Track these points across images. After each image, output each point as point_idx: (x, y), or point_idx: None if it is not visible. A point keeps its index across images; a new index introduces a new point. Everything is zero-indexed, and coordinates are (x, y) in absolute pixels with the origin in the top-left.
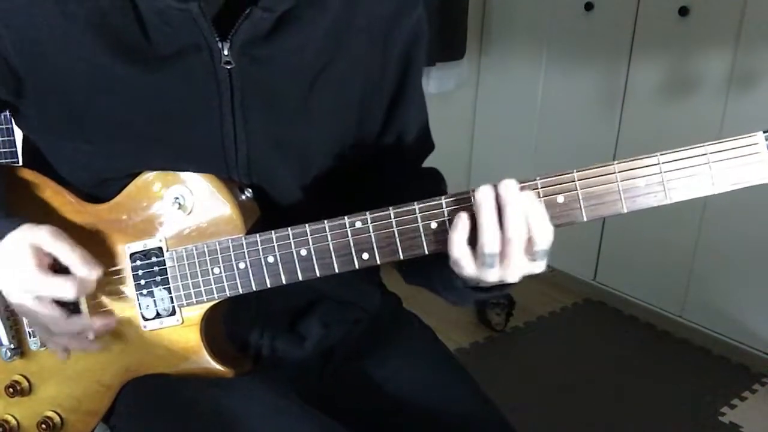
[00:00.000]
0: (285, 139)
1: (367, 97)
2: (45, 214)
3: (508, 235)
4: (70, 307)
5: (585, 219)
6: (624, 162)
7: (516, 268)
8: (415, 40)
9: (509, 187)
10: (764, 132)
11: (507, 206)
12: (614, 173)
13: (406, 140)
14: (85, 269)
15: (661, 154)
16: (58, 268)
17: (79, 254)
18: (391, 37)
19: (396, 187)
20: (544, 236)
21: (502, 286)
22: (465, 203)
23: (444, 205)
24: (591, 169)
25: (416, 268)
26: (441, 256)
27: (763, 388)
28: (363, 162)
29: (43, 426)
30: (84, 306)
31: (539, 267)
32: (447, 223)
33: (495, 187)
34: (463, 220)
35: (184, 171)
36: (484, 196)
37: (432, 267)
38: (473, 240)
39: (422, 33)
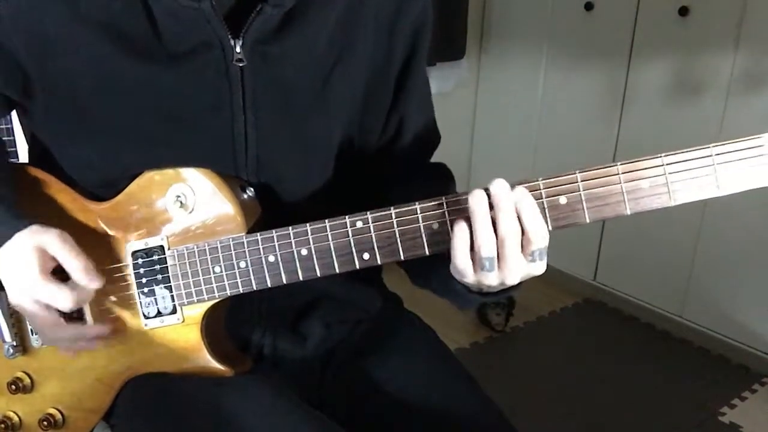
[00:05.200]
0: (296, 137)
1: (374, 87)
2: (48, 212)
3: (502, 234)
4: (74, 314)
5: (588, 221)
6: (627, 163)
7: (514, 270)
8: (420, 29)
9: (499, 186)
10: None
11: (498, 205)
12: (617, 174)
13: (408, 132)
14: (85, 279)
15: (665, 155)
16: (60, 273)
17: (83, 263)
18: (396, 25)
19: (400, 181)
20: (539, 233)
21: (505, 290)
22: (463, 204)
23: (445, 206)
24: (594, 170)
25: (418, 270)
26: (441, 258)
27: (763, 388)
28: (366, 156)
29: (45, 423)
30: (88, 314)
31: (539, 268)
32: (448, 224)
33: (487, 189)
34: (462, 229)
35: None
36: (476, 200)
37: (432, 271)
38: (473, 246)
39: (427, 22)
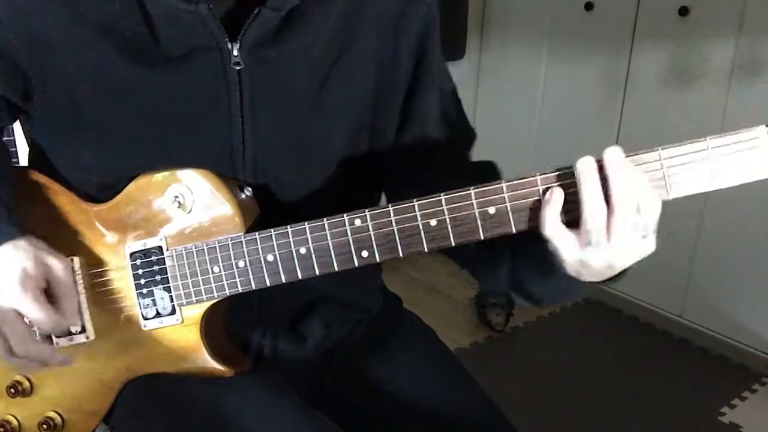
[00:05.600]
0: (294, 140)
1: (381, 89)
2: (46, 214)
3: (614, 201)
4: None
5: None
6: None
7: (627, 246)
8: (427, 28)
9: (614, 153)
10: (766, 126)
11: (613, 169)
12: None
13: (431, 131)
14: (73, 317)
15: (662, 149)
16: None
17: (77, 301)
18: (401, 26)
19: (434, 181)
20: (652, 204)
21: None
22: (461, 201)
23: (444, 203)
24: None
25: (493, 274)
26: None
27: (763, 388)
28: (380, 157)
29: (44, 426)
30: (86, 316)
31: (649, 246)
32: (447, 220)
33: (596, 159)
34: (557, 196)
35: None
36: (586, 164)
37: (512, 265)
38: (571, 221)
39: (435, 21)
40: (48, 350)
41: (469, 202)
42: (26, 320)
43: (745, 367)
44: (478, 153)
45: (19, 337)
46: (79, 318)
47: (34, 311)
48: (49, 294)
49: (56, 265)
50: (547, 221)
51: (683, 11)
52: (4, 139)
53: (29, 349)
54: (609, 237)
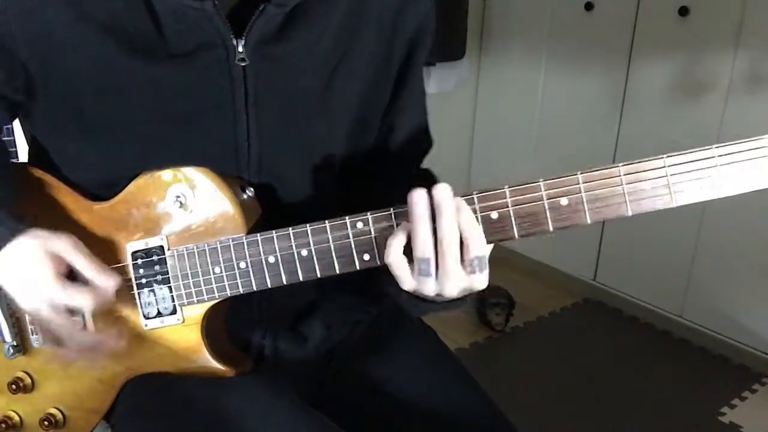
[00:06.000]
0: (299, 137)
1: (375, 86)
2: (47, 213)
3: (440, 235)
4: (83, 321)
5: (589, 222)
6: (629, 164)
7: (453, 280)
8: (419, 35)
9: (442, 189)
10: None
11: (439, 206)
12: (619, 176)
13: (397, 137)
14: (102, 279)
15: (667, 156)
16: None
17: (96, 263)
18: (398, 26)
19: (386, 185)
20: (477, 240)
21: (449, 302)
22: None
23: None
24: (595, 171)
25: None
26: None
27: (763, 388)
28: (364, 158)
29: (46, 423)
30: (88, 315)
31: (480, 281)
32: None
33: (429, 191)
34: (404, 228)
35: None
36: (416, 198)
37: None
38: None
39: (428, 29)
40: (97, 335)
41: (473, 207)
42: (68, 311)
43: (745, 367)
44: (478, 153)
45: (68, 331)
46: (113, 275)
47: (72, 298)
48: (74, 277)
49: (60, 244)
50: (391, 250)
51: (683, 11)
52: (4, 138)
53: (78, 337)
54: (438, 271)
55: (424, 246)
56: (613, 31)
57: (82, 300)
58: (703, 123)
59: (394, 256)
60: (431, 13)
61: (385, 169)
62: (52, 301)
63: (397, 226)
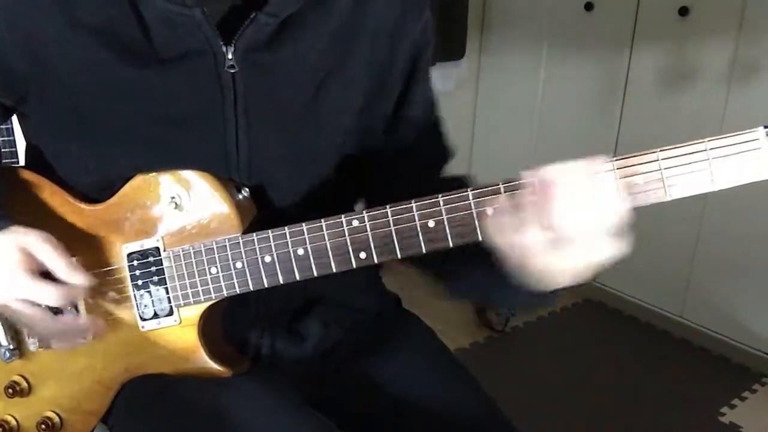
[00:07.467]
0: (288, 144)
1: (372, 100)
2: (42, 215)
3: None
4: (54, 309)
5: None
6: (622, 159)
7: (597, 246)
8: (421, 47)
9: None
10: (765, 127)
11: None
12: (612, 170)
13: (411, 146)
14: (69, 276)
15: (660, 150)
16: (48, 275)
17: (66, 260)
18: (397, 40)
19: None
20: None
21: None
22: (459, 201)
23: (441, 203)
24: None
25: (462, 277)
26: (487, 259)
27: (763, 388)
28: (368, 166)
29: (43, 426)
30: (81, 306)
31: (623, 245)
32: (445, 221)
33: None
34: (534, 202)
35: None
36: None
37: (481, 270)
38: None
39: (429, 39)
40: (70, 321)
41: (467, 202)
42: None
43: (745, 367)
44: (478, 153)
45: (38, 321)
46: (82, 274)
47: (32, 291)
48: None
49: (32, 240)
50: (527, 228)
51: (683, 11)
52: (4, 138)
53: (53, 326)
54: (579, 240)
55: (566, 214)
56: (613, 31)
57: (45, 294)
58: (703, 122)
59: (532, 237)
60: (430, 25)
61: (401, 178)
62: (18, 295)
63: (394, 224)
